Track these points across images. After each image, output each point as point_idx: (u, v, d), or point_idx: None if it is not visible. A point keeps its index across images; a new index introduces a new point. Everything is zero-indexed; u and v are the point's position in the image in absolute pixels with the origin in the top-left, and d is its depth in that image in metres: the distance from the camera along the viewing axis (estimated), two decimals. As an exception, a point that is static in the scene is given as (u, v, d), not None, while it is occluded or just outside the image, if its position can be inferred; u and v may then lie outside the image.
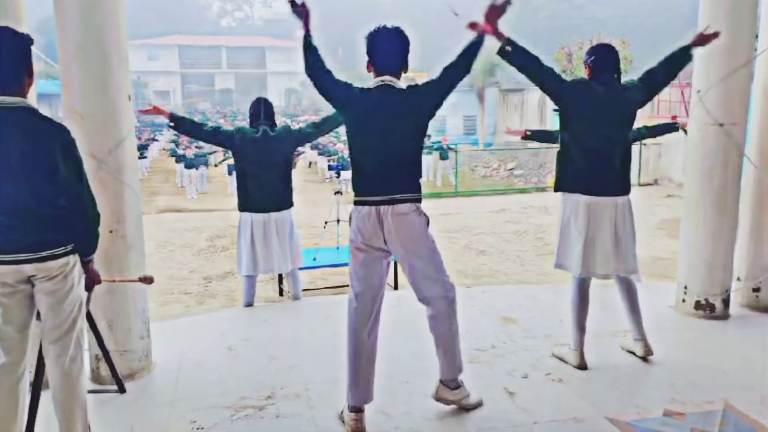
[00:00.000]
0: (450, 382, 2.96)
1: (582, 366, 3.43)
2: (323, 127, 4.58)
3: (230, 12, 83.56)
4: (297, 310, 4.73)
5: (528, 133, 4.49)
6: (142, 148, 19.35)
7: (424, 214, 2.81)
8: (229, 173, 15.80)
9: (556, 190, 3.45)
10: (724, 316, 4.25)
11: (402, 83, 2.78)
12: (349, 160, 2.86)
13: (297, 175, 16.81)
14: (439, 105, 2.79)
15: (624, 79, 3.45)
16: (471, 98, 28.07)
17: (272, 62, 61.86)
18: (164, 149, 24.78)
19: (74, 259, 2.46)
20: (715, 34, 3.30)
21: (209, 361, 3.65)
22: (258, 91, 58.23)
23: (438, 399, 2.98)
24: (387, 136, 2.70)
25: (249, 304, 4.71)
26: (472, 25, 2.82)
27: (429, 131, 18.26)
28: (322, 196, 13.46)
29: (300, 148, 8.63)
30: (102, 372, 3.26)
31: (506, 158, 20.14)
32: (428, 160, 18.12)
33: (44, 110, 2.48)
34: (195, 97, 56.96)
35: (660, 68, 3.36)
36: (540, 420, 2.90)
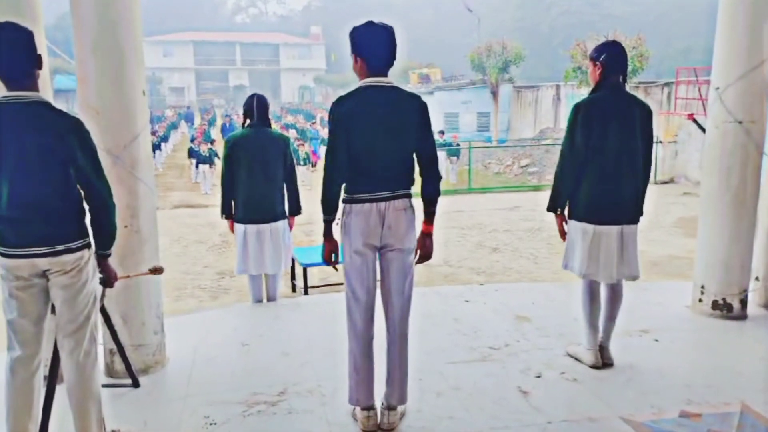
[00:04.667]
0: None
1: (597, 365, 3.39)
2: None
3: (244, 8, 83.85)
4: (309, 306, 4.74)
5: None
6: (156, 145, 19.46)
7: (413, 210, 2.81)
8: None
9: (569, 218, 3.40)
10: (742, 316, 4.19)
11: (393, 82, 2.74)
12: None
13: (308, 173, 16.84)
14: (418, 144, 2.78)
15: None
16: (485, 95, 27.93)
17: (286, 59, 62.01)
18: (183, 144, 24.84)
19: (89, 253, 2.47)
20: None
21: (222, 357, 3.66)
22: (272, 87, 58.43)
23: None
24: (388, 133, 2.66)
25: (258, 301, 4.72)
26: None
27: (443, 128, 18.11)
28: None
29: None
30: (116, 366, 3.29)
31: (520, 155, 20.02)
32: (440, 158, 18.08)
33: (61, 106, 2.48)
34: (209, 93, 57.26)
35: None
36: (554, 420, 2.88)
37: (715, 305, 4.20)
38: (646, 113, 3.31)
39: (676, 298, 4.56)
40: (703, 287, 4.26)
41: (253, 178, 4.33)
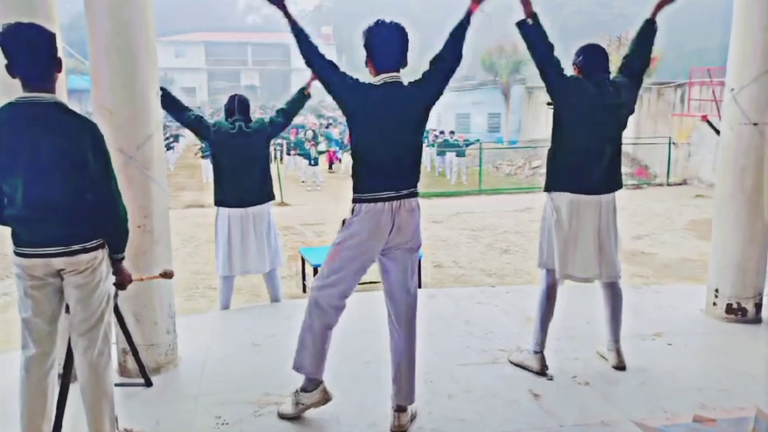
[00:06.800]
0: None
1: (543, 370, 3.34)
2: (291, 110, 4.57)
3: (256, 9, 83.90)
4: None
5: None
6: (169, 145, 19.51)
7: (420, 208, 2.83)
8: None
9: (546, 190, 3.36)
10: (756, 320, 4.15)
11: (404, 79, 2.73)
12: (353, 155, 2.79)
13: (321, 173, 16.87)
14: (434, 100, 2.77)
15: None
16: (496, 96, 27.83)
17: (297, 59, 61.16)
18: (195, 143, 24.96)
19: (103, 254, 2.48)
20: None
21: (234, 356, 3.67)
22: (282, 87, 58.54)
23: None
24: (397, 132, 2.68)
25: (225, 307, 4.58)
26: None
27: (453, 129, 17.99)
28: (345, 193, 13.47)
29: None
30: (129, 365, 3.30)
31: (531, 156, 19.93)
32: (449, 158, 18.00)
33: (74, 106, 2.50)
34: (221, 93, 57.44)
35: (633, 54, 3.31)
36: (565, 423, 2.86)
37: (729, 309, 4.16)
38: (627, 83, 3.28)
39: (689, 301, 4.52)
40: (717, 290, 4.22)
41: (236, 163, 4.33)
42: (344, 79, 2.69)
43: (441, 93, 2.77)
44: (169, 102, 4.17)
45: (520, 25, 3.11)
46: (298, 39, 2.72)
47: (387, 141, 2.68)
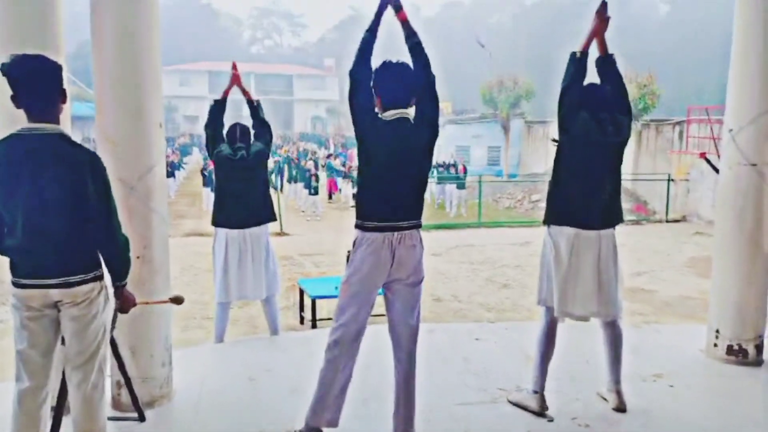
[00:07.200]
0: None
1: (542, 411, 3.29)
2: (262, 124, 4.66)
3: (260, 40, 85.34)
4: (318, 340, 4.67)
5: None
6: (170, 173, 19.60)
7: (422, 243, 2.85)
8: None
9: (545, 222, 3.36)
10: (757, 362, 4.10)
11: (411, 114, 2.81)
12: (359, 182, 2.83)
13: (321, 203, 16.87)
14: (435, 127, 2.82)
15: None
16: (496, 129, 28.05)
17: (299, 89, 62.78)
18: (196, 171, 25.12)
19: (100, 286, 2.47)
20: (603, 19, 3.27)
21: (229, 391, 3.62)
22: (285, 117, 59.05)
23: None
24: (402, 165, 2.74)
25: (220, 340, 4.52)
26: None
27: (454, 161, 17.90)
28: (345, 223, 13.46)
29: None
30: (123, 399, 3.25)
31: (530, 190, 20.00)
32: (449, 190, 18.06)
33: (76, 133, 2.52)
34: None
35: (612, 89, 3.33)
36: (565, 466, 2.81)
37: (729, 350, 4.12)
38: (627, 120, 3.31)
39: (690, 341, 4.48)
40: (717, 331, 4.18)
41: (236, 187, 4.41)
42: (371, 100, 2.76)
43: (437, 113, 2.83)
44: (219, 114, 4.60)
45: (574, 54, 3.26)
46: (369, 36, 2.81)
47: (392, 173, 2.73)
